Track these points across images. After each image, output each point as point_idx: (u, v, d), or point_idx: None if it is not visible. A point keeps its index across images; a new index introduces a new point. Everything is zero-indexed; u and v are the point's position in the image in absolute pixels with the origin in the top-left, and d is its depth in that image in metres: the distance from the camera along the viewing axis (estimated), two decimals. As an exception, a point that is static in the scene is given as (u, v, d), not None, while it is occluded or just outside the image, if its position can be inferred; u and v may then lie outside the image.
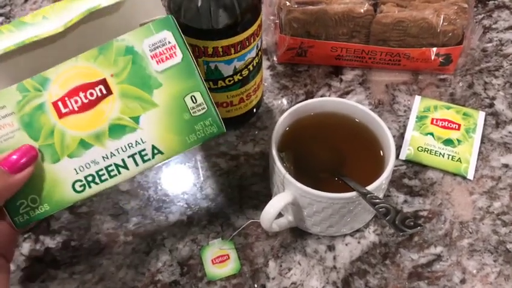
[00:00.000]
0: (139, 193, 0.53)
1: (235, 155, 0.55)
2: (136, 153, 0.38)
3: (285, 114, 0.48)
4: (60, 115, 0.37)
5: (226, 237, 0.49)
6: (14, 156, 0.36)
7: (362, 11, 0.57)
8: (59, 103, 0.37)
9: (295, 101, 0.60)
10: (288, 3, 0.57)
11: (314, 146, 0.49)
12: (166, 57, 0.37)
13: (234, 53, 0.47)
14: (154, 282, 0.47)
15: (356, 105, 0.49)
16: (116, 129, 0.38)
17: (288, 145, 0.48)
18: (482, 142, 0.56)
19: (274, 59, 0.63)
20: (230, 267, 0.47)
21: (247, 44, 0.47)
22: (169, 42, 0.37)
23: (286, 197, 0.44)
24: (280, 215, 0.48)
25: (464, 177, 0.53)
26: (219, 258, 0.48)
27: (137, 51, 0.37)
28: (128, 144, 0.38)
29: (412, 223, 0.37)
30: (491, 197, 0.52)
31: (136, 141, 0.38)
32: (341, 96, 0.60)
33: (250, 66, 0.50)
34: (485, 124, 0.57)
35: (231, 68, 0.48)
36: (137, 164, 0.38)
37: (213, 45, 0.46)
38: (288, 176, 0.44)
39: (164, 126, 0.38)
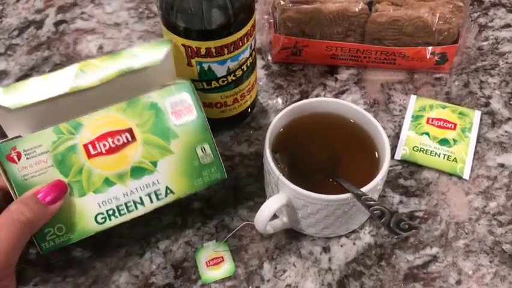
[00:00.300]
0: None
1: (230, 156, 0.55)
2: (152, 192, 0.44)
3: (280, 114, 0.48)
4: (90, 156, 0.42)
5: (221, 239, 0.49)
6: (49, 189, 0.41)
7: (356, 9, 0.56)
8: (89, 146, 0.42)
9: (290, 101, 0.59)
10: (282, 2, 0.57)
11: (309, 146, 0.48)
12: (183, 113, 0.44)
13: (228, 54, 0.46)
14: (147, 285, 0.46)
15: (351, 106, 0.48)
16: (137, 171, 0.43)
17: (282, 146, 0.48)
18: (478, 141, 0.55)
19: (269, 58, 0.63)
20: (224, 269, 0.47)
21: (240, 44, 0.47)
22: (187, 102, 0.44)
23: (280, 199, 0.44)
24: (274, 216, 0.48)
25: (460, 177, 0.53)
26: (214, 260, 0.47)
27: (160, 107, 0.44)
28: (146, 184, 0.43)
29: (407, 226, 0.37)
30: (487, 197, 0.51)
31: (153, 182, 0.44)
32: (336, 95, 0.60)
33: (244, 67, 0.49)
34: (481, 123, 0.57)
35: (225, 68, 0.48)
36: (152, 201, 0.44)
37: (206, 46, 0.45)
38: (282, 178, 0.43)
39: (177, 170, 0.44)
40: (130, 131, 0.43)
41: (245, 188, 0.52)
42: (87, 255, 0.48)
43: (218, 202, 0.51)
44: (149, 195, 0.44)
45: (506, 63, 0.63)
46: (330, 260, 0.48)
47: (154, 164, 0.43)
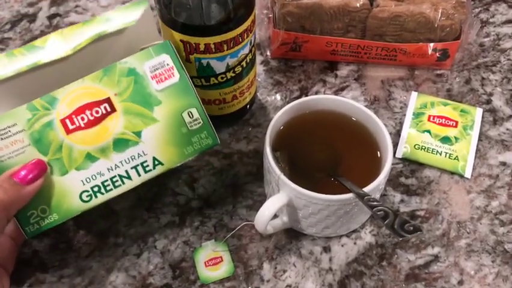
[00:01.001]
0: (129, 193, 0.51)
1: (228, 154, 0.54)
2: (138, 165, 0.41)
3: (280, 112, 0.47)
4: (68, 131, 0.40)
5: (220, 239, 0.48)
6: (26, 170, 0.39)
7: (358, 5, 0.55)
8: (67, 120, 0.40)
9: (290, 97, 0.59)
10: (282, -3, 0.56)
11: (310, 145, 0.48)
12: (164, 77, 0.41)
13: (227, 50, 0.45)
14: (145, 285, 0.46)
15: (352, 103, 0.48)
16: (120, 143, 0.41)
17: (283, 144, 0.47)
18: (479, 139, 0.55)
19: (268, 54, 0.62)
20: (223, 269, 0.46)
21: (240, 40, 0.46)
22: (167, 64, 0.41)
23: (281, 198, 0.43)
24: (274, 215, 0.47)
25: (461, 176, 0.52)
26: (212, 260, 0.47)
27: (139, 72, 0.41)
28: (131, 157, 0.41)
29: (412, 227, 0.36)
30: (489, 195, 0.51)
31: (138, 153, 0.41)
32: (336, 92, 0.59)
33: (244, 63, 0.48)
34: (482, 121, 0.56)
35: (224, 64, 0.47)
36: (139, 175, 0.42)
37: (205, 42, 0.44)
38: (283, 177, 0.42)
39: (164, 139, 0.41)
40: (108, 101, 0.41)
41: (244, 186, 0.52)
42: (83, 255, 0.47)
43: (217, 201, 0.51)
44: (135, 168, 0.41)
45: (508, 59, 0.62)
46: (330, 260, 0.47)
47: (138, 134, 0.41)
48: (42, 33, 0.66)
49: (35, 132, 0.40)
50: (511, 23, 0.66)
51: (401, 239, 0.36)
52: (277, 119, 0.46)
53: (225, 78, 0.48)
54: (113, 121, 0.41)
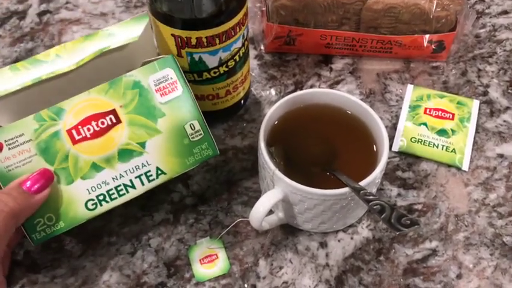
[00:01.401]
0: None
1: (223, 150, 0.53)
2: (142, 174, 0.42)
3: (274, 107, 0.46)
4: (74, 141, 0.41)
5: (215, 236, 0.47)
6: (33, 179, 0.40)
7: (352, -3, 0.54)
8: (73, 131, 0.41)
9: (284, 92, 0.58)
10: (275, -10, 0.55)
11: (305, 139, 0.47)
12: (168, 90, 0.43)
13: (219, 44, 0.45)
14: (140, 284, 0.45)
15: (347, 97, 0.47)
16: (125, 154, 0.42)
17: (277, 139, 0.46)
18: (476, 132, 0.54)
19: (262, 48, 0.61)
20: (219, 267, 0.46)
21: (232, 33, 0.45)
22: (171, 78, 0.43)
23: (276, 194, 0.42)
24: (270, 211, 0.47)
25: (458, 169, 0.52)
26: (207, 258, 0.46)
27: (144, 85, 0.42)
28: (135, 167, 0.42)
29: (409, 221, 0.36)
30: (487, 188, 0.50)
31: (142, 163, 0.42)
32: (331, 86, 0.58)
33: (237, 57, 0.48)
34: (479, 113, 0.55)
35: (216, 59, 0.46)
36: (143, 184, 0.43)
37: (197, 36, 0.43)
38: (278, 173, 0.42)
39: (167, 150, 0.43)
40: (113, 112, 0.42)
41: (239, 182, 0.51)
42: (76, 255, 0.47)
43: (211, 197, 0.50)
44: (139, 177, 0.42)
45: (504, 50, 0.61)
46: (327, 255, 0.46)
47: (142, 145, 0.42)
48: (33, 31, 0.65)
49: (42, 142, 0.41)
50: (507, 14, 0.65)
51: (398, 233, 0.35)
52: (271, 114, 0.46)
53: (217, 73, 0.48)
54: (118, 132, 0.42)
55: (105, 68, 0.43)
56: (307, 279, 0.45)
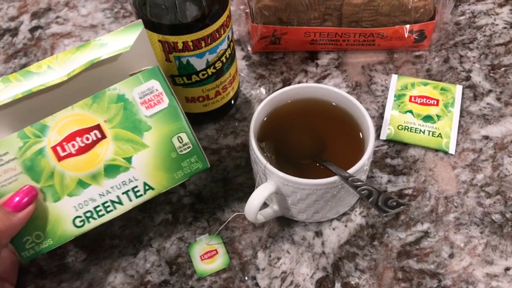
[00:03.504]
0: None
1: (217, 149, 0.55)
2: (129, 190, 0.42)
3: (262, 104, 0.47)
4: (59, 158, 0.41)
5: (213, 232, 0.49)
6: (17, 197, 0.40)
7: (332, -7, 0.56)
8: (58, 148, 0.41)
9: (273, 90, 0.59)
10: (257, -9, 0.56)
11: (294, 133, 0.49)
12: (154, 103, 0.41)
13: (205, 46, 0.46)
14: (144, 283, 0.46)
15: (331, 89, 0.48)
16: (111, 169, 0.41)
17: (267, 135, 0.48)
18: (461, 116, 0.56)
19: (249, 48, 0.63)
20: (219, 262, 0.47)
21: (217, 36, 0.46)
22: (157, 90, 0.41)
23: (269, 187, 0.44)
24: (265, 205, 0.48)
25: (446, 152, 0.53)
26: (208, 254, 0.47)
27: (128, 98, 0.41)
28: (122, 182, 0.42)
29: (395, 203, 0.37)
30: (474, 169, 0.52)
31: (129, 179, 0.42)
32: (318, 81, 0.60)
33: (223, 58, 0.49)
34: (463, 97, 0.57)
35: (203, 61, 0.48)
36: (130, 200, 0.42)
37: (183, 40, 0.45)
38: (269, 166, 0.43)
39: (154, 164, 0.42)
40: (98, 127, 0.41)
41: (234, 179, 0.52)
42: (80, 259, 0.48)
43: (208, 196, 0.51)
44: (127, 193, 0.42)
45: (484, 36, 0.63)
46: (323, 244, 0.48)
47: (128, 160, 0.41)
48: (25, 46, 0.66)
49: (27, 160, 0.40)
50: (485, 0, 0.67)
51: (384, 214, 0.37)
52: (259, 111, 0.47)
53: (206, 75, 0.49)
54: (104, 147, 0.41)
55: (98, 78, 0.42)
56: (305, 268, 0.46)
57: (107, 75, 0.42)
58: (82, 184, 0.41)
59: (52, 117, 0.41)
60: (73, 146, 0.41)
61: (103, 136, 0.41)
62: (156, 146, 0.42)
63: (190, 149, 0.42)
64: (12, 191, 0.40)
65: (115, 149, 0.41)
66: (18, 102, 0.41)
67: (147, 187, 0.42)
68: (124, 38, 0.42)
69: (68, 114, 0.41)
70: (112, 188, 0.42)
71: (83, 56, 0.41)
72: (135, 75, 0.41)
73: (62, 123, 0.41)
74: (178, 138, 0.42)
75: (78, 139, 0.41)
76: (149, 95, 0.41)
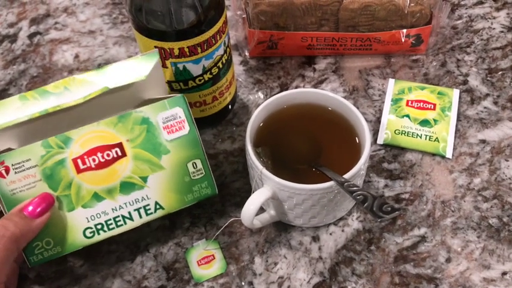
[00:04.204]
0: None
1: (214, 154, 0.55)
2: (141, 208, 0.44)
3: (258, 109, 0.48)
4: (79, 170, 0.42)
5: (210, 238, 0.49)
6: (34, 204, 0.41)
7: (328, -2, 0.56)
8: (79, 160, 0.42)
9: (270, 94, 0.60)
10: (254, -3, 0.57)
11: (290, 138, 0.49)
12: (176, 129, 0.44)
13: (201, 52, 0.46)
14: (141, 289, 0.47)
15: (328, 94, 0.49)
16: (127, 186, 0.43)
17: (264, 140, 0.48)
18: (458, 120, 0.56)
19: (246, 54, 0.63)
20: (216, 267, 0.47)
21: (213, 41, 0.47)
22: (180, 117, 0.44)
23: (265, 192, 0.44)
24: (262, 210, 0.48)
25: (443, 157, 0.53)
26: (205, 259, 0.48)
27: (152, 122, 0.43)
28: (135, 199, 0.44)
29: (390, 208, 0.37)
30: (471, 173, 0.52)
31: (143, 197, 0.44)
32: (315, 85, 0.60)
33: (220, 64, 0.49)
34: (460, 101, 0.57)
35: (200, 67, 0.48)
36: (141, 217, 0.44)
37: (179, 46, 0.45)
38: (265, 171, 0.43)
39: (168, 186, 0.44)
40: (120, 145, 0.43)
41: (231, 184, 0.53)
42: (78, 264, 0.48)
43: (205, 201, 0.51)
44: (138, 210, 0.44)
45: (481, 40, 0.63)
46: (320, 248, 0.48)
47: (144, 179, 0.43)
48: (24, 52, 0.67)
49: (47, 169, 0.42)
50: (482, 4, 0.67)
51: (379, 220, 0.37)
52: (255, 117, 0.47)
53: (202, 81, 0.49)
54: (123, 165, 0.43)
55: (111, 103, 0.44)
56: (301, 273, 0.46)
57: (119, 101, 0.44)
58: (97, 197, 0.43)
59: (77, 131, 0.42)
60: (93, 160, 0.42)
61: (123, 154, 0.43)
62: (172, 169, 0.44)
63: (202, 175, 0.44)
64: (29, 197, 0.42)
65: (133, 167, 0.43)
66: (34, 121, 0.42)
67: (158, 206, 0.44)
68: (141, 66, 0.44)
69: (93, 130, 0.43)
70: (125, 203, 0.43)
71: (100, 81, 0.43)
72: (162, 101, 0.43)
73: (86, 137, 0.43)
74: (193, 164, 0.44)
75: (99, 154, 0.42)
76: (172, 120, 0.43)
